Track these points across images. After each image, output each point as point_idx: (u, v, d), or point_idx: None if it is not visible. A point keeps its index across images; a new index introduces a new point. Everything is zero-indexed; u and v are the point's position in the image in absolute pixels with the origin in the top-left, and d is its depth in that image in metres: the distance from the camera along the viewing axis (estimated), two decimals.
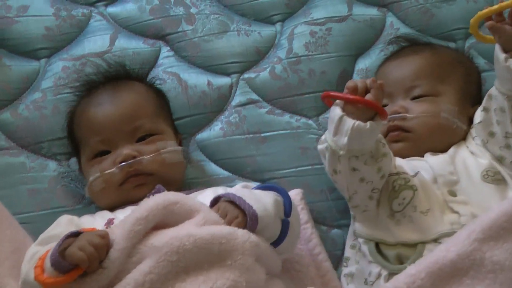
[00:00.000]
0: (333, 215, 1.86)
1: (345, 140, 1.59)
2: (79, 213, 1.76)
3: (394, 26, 2.12)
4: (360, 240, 1.71)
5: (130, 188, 1.71)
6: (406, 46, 1.96)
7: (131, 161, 1.71)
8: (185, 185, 1.86)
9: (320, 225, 1.85)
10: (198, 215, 1.50)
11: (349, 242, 1.76)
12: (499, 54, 1.57)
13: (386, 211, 1.68)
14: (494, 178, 1.69)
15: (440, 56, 1.89)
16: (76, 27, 2.09)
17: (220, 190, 1.72)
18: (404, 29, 2.11)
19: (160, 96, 1.90)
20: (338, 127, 1.60)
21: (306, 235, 1.77)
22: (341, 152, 1.61)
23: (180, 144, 1.86)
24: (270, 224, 1.52)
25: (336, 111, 1.60)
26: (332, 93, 1.61)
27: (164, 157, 1.74)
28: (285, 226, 1.56)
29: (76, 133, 1.81)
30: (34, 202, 1.85)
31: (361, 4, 2.14)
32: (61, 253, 1.39)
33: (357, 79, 1.62)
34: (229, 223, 1.49)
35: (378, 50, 2.06)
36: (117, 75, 1.89)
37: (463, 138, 1.82)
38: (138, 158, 1.71)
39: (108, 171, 1.71)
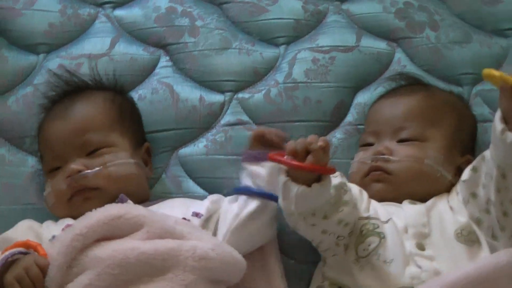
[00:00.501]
0: (303, 250, 1.79)
1: (292, 206, 1.55)
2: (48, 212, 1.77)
3: (401, 62, 2.05)
4: (325, 283, 1.67)
5: (79, 202, 1.69)
6: (403, 85, 1.90)
7: (75, 176, 1.69)
8: (157, 198, 1.83)
9: (288, 258, 1.80)
10: (142, 229, 1.50)
11: (315, 282, 1.71)
12: (498, 124, 1.44)
13: (352, 255, 1.63)
14: (467, 238, 1.62)
15: (433, 99, 1.83)
16: (79, 26, 2.08)
17: (188, 202, 1.74)
18: (411, 67, 2.04)
19: (123, 106, 1.86)
20: (284, 193, 1.56)
21: (268, 265, 1.73)
22: (292, 217, 1.59)
23: (147, 153, 1.84)
24: None
25: (280, 177, 1.56)
26: (274, 157, 1.54)
27: (110, 170, 1.71)
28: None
29: (39, 148, 1.83)
30: (6, 196, 1.84)
31: (370, 36, 2.08)
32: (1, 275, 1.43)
33: (298, 140, 1.54)
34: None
35: (379, 84, 1.99)
36: (80, 85, 1.88)
37: (448, 187, 1.75)
38: (83, 172, 1.69)
39: (57, 187, 1.71)
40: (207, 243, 1.53)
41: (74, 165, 1.70)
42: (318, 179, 1.52)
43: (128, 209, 1.54)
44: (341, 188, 1.60)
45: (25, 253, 1.46)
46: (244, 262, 1.60)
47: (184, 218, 1.64)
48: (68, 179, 1.69)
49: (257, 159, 1.69)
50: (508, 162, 1.46)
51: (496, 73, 1.41)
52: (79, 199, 1.70)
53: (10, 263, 1.44)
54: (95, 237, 1.47)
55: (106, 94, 1.86)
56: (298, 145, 1.51)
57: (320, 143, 1.50)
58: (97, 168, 1.70)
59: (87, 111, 1.80)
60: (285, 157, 1.52)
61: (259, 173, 1.68)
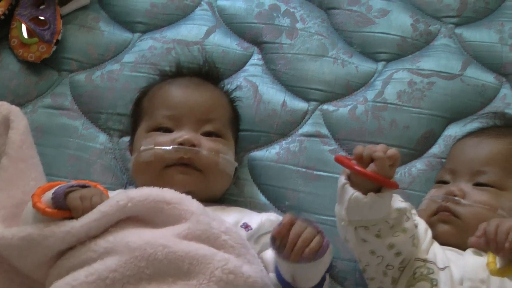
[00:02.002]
0: (354, 279, 1.71)
1: (343, 211, 1.47)
2: None
3: (506, 100, 1.90)
4: None
5: (174, 173, 1.63)
6: (494, 126, 1.75)
7: (189, 147, 1.64)
8: (222, 200, 1.78)
9: (338, 285, 1.72)
10: (185, 224, 1.46)
11: None
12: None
13: None
14: None
15: None
16: (180, 11, 2.05)
17: (244, 212, 1.67)
18: None
19: (236, 113, 1.83)
20: (340, 196, 1.48)
21: None
22: (343, 223, 1.49)
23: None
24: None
25: (340, 178, 1.48)
26: (341, 158, 1.46)
27: (221, 161, 1.67)
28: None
29: (143, 105, 1.76)
30: (70, 169, 1.83)
31: (478, 66, 1.94)
32: (66, 193, 1.45)
33: (367, 146, 1.45)
34: (305, 242, 1.40)
35: (476, 120, 1.84)
36: (208, 74, 1.85)
37: None
38: (197, 148, 1.64)
39: (162, 147, 1.64)
40: (248, 265, 1.46)
41: (191, 137, 1.65)
42: (378, 191, 1.43)
43: (181, 199, 1.50)
44: (405, 213, 1.50)
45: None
46: None
47: None
48: (178, 147, 1.64)
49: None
50: None
51: None
52: (178, 169, 1.64)
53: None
54: (137, 212, 1.47)
55: (226, 93, 1.84)
56: (365, 150, 1.43)
57: (388, 153, 1.42)
58: (212, 152, 1.65)
59: (216, 97, 1.78)
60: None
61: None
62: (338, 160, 1.46)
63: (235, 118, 1.81)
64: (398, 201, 1.52)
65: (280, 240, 1.41)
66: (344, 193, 1.45)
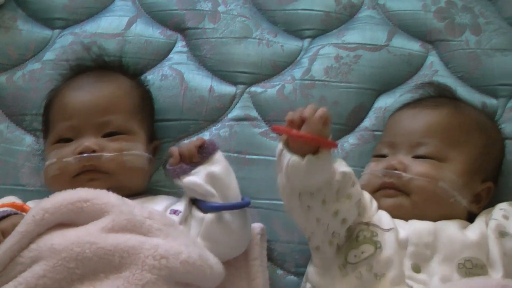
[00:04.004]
0: (294, 261, 1.70)
1: (284, 177, 1.44)
2: (36, 195, 1.71)
3: (434, 67, 1.89)
4: (307, 285, 1.57)
5: (83, 181, 1.61)
6: (430, 96, 1.74)
7: (89, 154, 1.62)
8: (152, 192, 1.75)
9: (277, 267, 1.70)
10: (108, 216, 1.45)
11: (301, 284, 1.62)
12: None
13: (340, 260, 1.52)
14: (470, 271, 1.47)
15: (460, 117, 1.66)
16: (100, 3, 2.01)
17: (172, 200, 1.66)
18: (443, 73, 1.88)
19: (145, 97, 1.79)
20: (279, 163, 1.45)
21: (251, 272, 1.63)
22: (286, 190, 1.47)
23: (155, 151, 1.76)
24: (228, 166, 1.60)
25: (278, 146, 1.45)
26: (277, 126, 1.44)
27: (126, 159, 1.64)
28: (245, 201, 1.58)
29: (49, 115, 1.74)
30: None
31: (404, 35, 1.92)
32: None
33: (297, 110, 1.42)
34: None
35: (404, 90, 1.83)
36: (109, 65, 1.81)
37: (463, 214, 1.61)
38: (98, 153, 1.62)
39: (65, 159, 1.63)
40: (176, 244, 1.46)
41: (90, 144, 1.62)
42: (317, 153, 1.40)
43: (98, 194, 1.49)
44: (350, 178, 1.49)
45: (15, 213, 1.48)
46: (220, 268, 1.53)
47: None
48: (79, 156, 1.62)
49: (185, 171, 1.60)
50: None
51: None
52: (85, 178, 1.62)
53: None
54: (57, 220, 1.44)
55: (131, 80, 1.80)
56: (294, 114, 1.41)
57: (318, 113, 1.39)
58: (114, 154, 1.62)
59: (113, 91, 1.73)
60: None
61: (195, 181, 1.57)
62: (274, 129, 1.45)
63: (145, 104, 1.77)
64: (343, 166, 1.50)
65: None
66: (283, 159, 1.43)
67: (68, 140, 1.66)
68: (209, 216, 1.55)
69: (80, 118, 1.66)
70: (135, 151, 1.66)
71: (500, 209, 1.55)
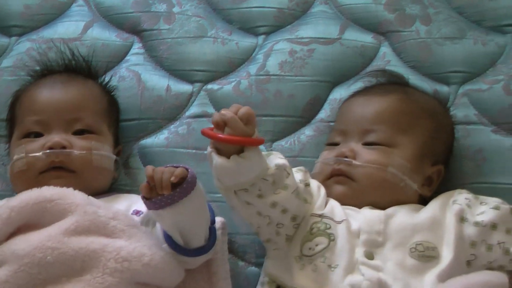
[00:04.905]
0: (254, 252, 1.72)
1: (215, 179, 1.49)
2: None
3: (386, 57, 1.92)
4: (265, 279, 1.58)
5: (49, 178, 1.60)
6: (379, 84, 1.77)
7: (59, 150, 1.62)
8: (114, 190, 1.77)
9: (238, 259, 1.72)
10: (71, 217, 1.45)
11: (260, 279, 1.62)
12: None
13: (296, 251, 1.54)
14: (422, 254, 1.50)
15: (409, 103, 1.68)
16: (56, 9, 2.03)
17: (134, 199, 1.65)
18: (396, 63, 1.91)
19: (111, 102, 1.81)
20: (210, 165, 1.48)
21: (212, 266, 1.64)
22: (222, 191, 1.51)
23: (118, 155, 1.76)
24: (202, 207, 1.48)
25: (208, 148, 1.48)
26: (204, 130, 1.46)
27: (94, 158, 1.65)
28: (213, 231, 1.54)
29: (15, 111, 1.74)
30: None
31: (356, 28, 1.96)
32: None
33: (221, 111, 1.45)
34: (168, 173, 1.40)
35: (360, 80, 1.86)
36: (78, 69, 1.82)
37: (415, 198, 1.64)
38: (68, 150, 1.62)
39: (33, 154, 1.62)
40: (140, 245, 1.46)
41: (60, 139, 1.62)
42: (243, 151, 1.43)
43: (63, 194, 1.49)
44: (284, 169, 1.50)
45: None
46: (182, 268, 1.54)
47: None
48: (49, 151, 1.62)
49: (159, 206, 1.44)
50: None
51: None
52: (52, 175, 1.61)
53: None
54: (22, 219, 1.44)
55: (99, 85, 1.82)
56: (216, 116, 1.43)
57: (239, 113, 1.42)
58: (84, 151, 1.63)
59: (84, 91, 1.74)
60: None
61: (164, 225, 1.51)
62: (202, 132, 1.46)
63: (112, 110, 1.79)
64: (277, 158, 1.52)
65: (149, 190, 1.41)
66: (211, 161, 1.46)
67: (36, 135, 1.66)
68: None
69: (50, 113, 1.66)
70: (104, 151, 1.67)
71: (466, 198, 1.57)
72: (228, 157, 1.43)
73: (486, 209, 1.54)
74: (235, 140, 1.41)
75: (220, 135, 1.41)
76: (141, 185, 1.42)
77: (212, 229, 1.54)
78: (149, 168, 1.41)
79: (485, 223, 1.51)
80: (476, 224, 1.51)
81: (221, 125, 1.42)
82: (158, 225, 1.54)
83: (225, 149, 1.44)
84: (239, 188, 1.47)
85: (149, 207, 1.44)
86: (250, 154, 1.43)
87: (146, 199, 1.43)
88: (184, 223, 1.46)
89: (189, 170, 1.42)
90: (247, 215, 1.54)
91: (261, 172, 1.46)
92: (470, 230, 1.51)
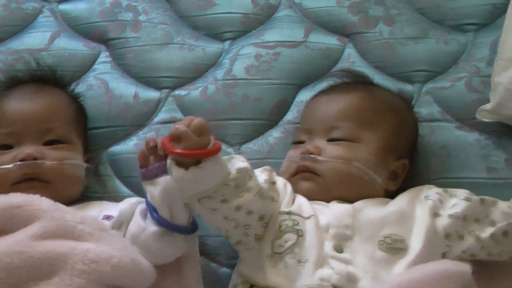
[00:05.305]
0: (226, 253, 1.74)
1: (177, 190, 1.50)
2: None
3: (351, 59, 1.95)
4: (239, 280, 1.59)
5: (23, 189, 1.60)
6: (343, 83, 1.80)
7: (31, 161, 1.63)
8: (84, 198, 1.77)
9: (210, 261, 1.73)
10: (38, 223, 1.45)
11: (232, 281, 1.63)
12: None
13: (267, 251, 1.55)
14: (390, 246, 1.52)
15: (372, 99, 1.72)
16: (22, 21, 2.05)
17: (105, 205, 1.68)
18: (360, 64, 1.94)
19: (80, 111, 1.83)
20: (171, 176, 1.49)
21: (184, 269, 1.66)
22: (186, 201, 1.53)
23: (87, 162, 1.78)
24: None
25: (168, 160, 1.49)
26: (162, 141, 1.48)
27: (66, 168, 1.66)
28: (194, 221, 1.59)
29: None
30: None
31: (321, 31, 1.99)
32: None
33: (175, 125, 1.46)
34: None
35: (325, 80, 1.89)
36: (44, 78, 1.83)
37: (381, 192, 1.66)
38: (40, 161, 1.63)
39: (4, 166, 1.63)
40: (108, 248, 1.47)
41: (31, 151, 1.63)
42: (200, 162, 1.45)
43: (30, 200, 1.50)
44: (246, 172, 1.52)
45: None
46: (152, 271, 1.55)
47: None
48: (20, 163, 1.63)
49: (154, 174, 1.55)
50: None
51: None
52: (25, 186, 1.62)
53: None
54: None
55: (66, 93, 1.83)
56: (171, 130, 1.44)
57: (191, 125, 1.43)
58: (56, 162, 1.64)
59: (53, 101, 1.75)
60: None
61: (154, 194, 1.55)
62: (161, 144, 1.48)
63: (81, 117, 1.81)
64: (239, 162, 1.53)
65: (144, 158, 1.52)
66: (171, 174, 1.47)
67: (7, 147, 1.67)
68: (152, 228, 1.56)
69: (21, 124, 1.67)
70: (75, 161, 1.68)
71: (437, 193, 1.60)
72: (187, 169, 1.44)
73: (457, 201, 1.57)
74: (189, 154, 1.43)
75: (175, 150, 1.43)
76: (138, 152, 1.54)
77: (193, 218, 1.58)
78: (149, 138, 1.53)
79: (458, 214, 1.54)
80: (450, 216, 1.54)
81: (176, 138, 1.43)
82: (132, 221, 1.58)
83: (184, 161, 1.45)
84: (202, 196, 1.48)
85: (145, 176, 1.53)
86: (208, 164, 1.44)
87: (142, 168, 1.52)
88: (175, 193, 1.50)
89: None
90: (213, 221, 1.55)
91: (222, 178, 1.48)
92: (444, 223, 1.54)
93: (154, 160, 1.55)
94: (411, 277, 1.44)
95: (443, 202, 1.58)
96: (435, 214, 1.56)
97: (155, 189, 1.54)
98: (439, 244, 1.53)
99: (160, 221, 1.54)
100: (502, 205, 1.58)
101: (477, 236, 1.53)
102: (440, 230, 1.54)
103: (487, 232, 1.54)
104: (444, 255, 1.53)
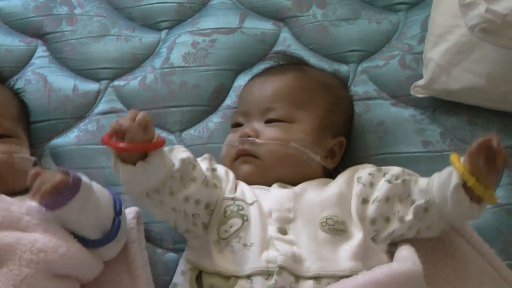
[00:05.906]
0: (171, 238, 1.74)
1: (124, 186, 1.49)
2: None
3: (286, 42, 1.98)
4: (187, 267, 1.60)
5: None
6: (278, 65, 1.82)
7: None
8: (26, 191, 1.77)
9: (156, 247, 1.74)
10: None
11: (180, 267, 1.63)
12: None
13: (213, 236, 1.56)
14: (332, 227, 1.54)
15: (306, 79, 1.74)
16: None
17: None
18: (296, 46, 1.97)
19: (22, 105, 1.83)
20: (116, 174, 1.49)
21: (130, 255, 1.65)
22: (133, 197, 1.53)
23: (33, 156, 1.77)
24: (88, 210, 1.46)
25: (112, 158, 1.48)
26: (103, 139, 1.44)
27: (15, 161, 1.66)
28: (116, 223, 1.52)
29: None
30: None
31: (256, 16, 2.02)
32: None
33: (118, 121, 1.44)
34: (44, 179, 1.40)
35: (261, 64, 1.92)
36: None
37: (321, 170, 1.69)
38: None
39: None
40: (55, 238, 1.47)
41: None
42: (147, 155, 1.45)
43: None
44: (190, 162, 1.54)
45: None
46: (100, 260, 1.56)
47: None
48: None
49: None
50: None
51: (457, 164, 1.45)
52: None
53: None
54: None
55: (8, 88, 1.83)
56: (114, 125, 1.43)
57: (136, 120, 1.42)
58: (5, 155, 1.64)
59: (0, 97, 1.76)
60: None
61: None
62: (102, 141, 1.44)
63: (24, 113, 1.81)
64: (181, 152, 1.55)
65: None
66: (117, 170, 1.47)
67: None
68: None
69: None
70: (22, 154, 1.69)
71: (369, 174, 1.62)
72: (134, 164, 1.44)
73: (382, 183, 1.60)
74: (138, 148, 1.42)
75: (122, 145, 1.41)
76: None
77: (115, 221, 1.54)
78: (34, 171, 1.43)
79: (379, 198, 1.57)
80: (373, 201, 1.57)
81: (120, 134, 1.42)
82: None
83: (129, 157, 1.44)
84: (150, 190, 1.49)
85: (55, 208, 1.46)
86: (154, 157, 1.45)
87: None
88: (71, 225, 1.48)
89: (71, 175, 1.41)
90: (162, 214, 1.56)
91: (168, 171, 1.49)
92: (370, 209, 1.57)
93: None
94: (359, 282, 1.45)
95: (373, 186, 1.61)
96: (363, 201, 1.59)
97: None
98: (368, 230, 1.56)
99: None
100: (422, 182, 1.59)
101: (401, 217, 1.56)
102: (367, 218, 1.57)
103: (409, 213, 1.56)
104: (374, 240, 1.56)
